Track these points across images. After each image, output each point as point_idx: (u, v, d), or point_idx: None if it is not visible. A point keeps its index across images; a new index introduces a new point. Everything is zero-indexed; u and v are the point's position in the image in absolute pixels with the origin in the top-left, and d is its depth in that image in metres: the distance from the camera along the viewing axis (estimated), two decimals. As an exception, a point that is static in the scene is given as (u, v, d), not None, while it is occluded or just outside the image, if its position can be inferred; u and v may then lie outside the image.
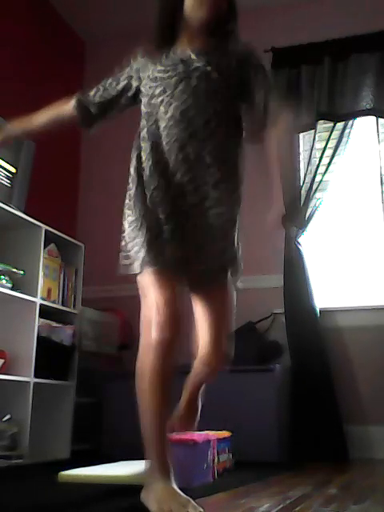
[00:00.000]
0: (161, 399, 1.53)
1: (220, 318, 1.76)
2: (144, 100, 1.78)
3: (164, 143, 1.69)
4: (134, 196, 1.69)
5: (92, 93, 1.89)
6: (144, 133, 1.74)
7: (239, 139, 1.78)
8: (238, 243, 1.77)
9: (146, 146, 1.71)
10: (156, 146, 1.70)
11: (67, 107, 1.90)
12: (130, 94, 1.84)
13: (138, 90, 1.82)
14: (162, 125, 1.70)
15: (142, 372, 1.55)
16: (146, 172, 1.69)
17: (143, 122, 1.76)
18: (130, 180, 1.74)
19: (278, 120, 1.72)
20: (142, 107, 1.79)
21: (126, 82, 1.84)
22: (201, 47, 1.76)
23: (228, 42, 1.80)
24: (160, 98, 1.72)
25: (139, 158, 1.73)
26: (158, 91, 1.73)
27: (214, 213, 1.67)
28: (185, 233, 1.64)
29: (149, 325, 1.56)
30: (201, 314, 1.78)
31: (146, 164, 1.70)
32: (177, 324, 1.55)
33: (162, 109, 1.71)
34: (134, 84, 1.82)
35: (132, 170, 1.74)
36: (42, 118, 1.93)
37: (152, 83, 1.75)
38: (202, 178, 1.67)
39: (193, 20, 1.76)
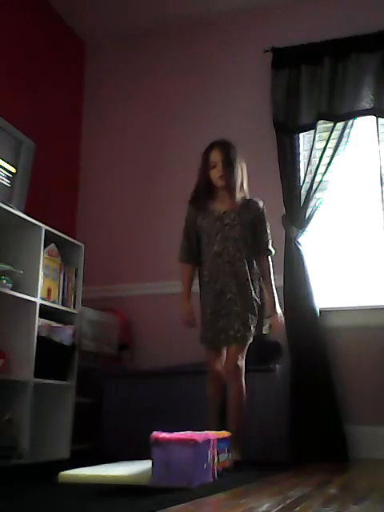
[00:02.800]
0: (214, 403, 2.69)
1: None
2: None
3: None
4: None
5: (187, 249, 2.84)
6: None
7: (251, 264, 2.75)
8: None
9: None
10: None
11: (189, 270, 2.85)
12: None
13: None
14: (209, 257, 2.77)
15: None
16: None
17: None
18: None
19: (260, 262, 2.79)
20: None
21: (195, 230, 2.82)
22: (229, 208, 2.75)
23: (246, 202, 2.78)
24: (205, 242, 2.78)
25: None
26: (204, 236, 2.79)
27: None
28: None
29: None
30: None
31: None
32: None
33: (207, 248, 2.77)
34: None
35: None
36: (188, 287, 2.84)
37: (201, 231, 2.80)
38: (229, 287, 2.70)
39: (217, 187, 2.78)
